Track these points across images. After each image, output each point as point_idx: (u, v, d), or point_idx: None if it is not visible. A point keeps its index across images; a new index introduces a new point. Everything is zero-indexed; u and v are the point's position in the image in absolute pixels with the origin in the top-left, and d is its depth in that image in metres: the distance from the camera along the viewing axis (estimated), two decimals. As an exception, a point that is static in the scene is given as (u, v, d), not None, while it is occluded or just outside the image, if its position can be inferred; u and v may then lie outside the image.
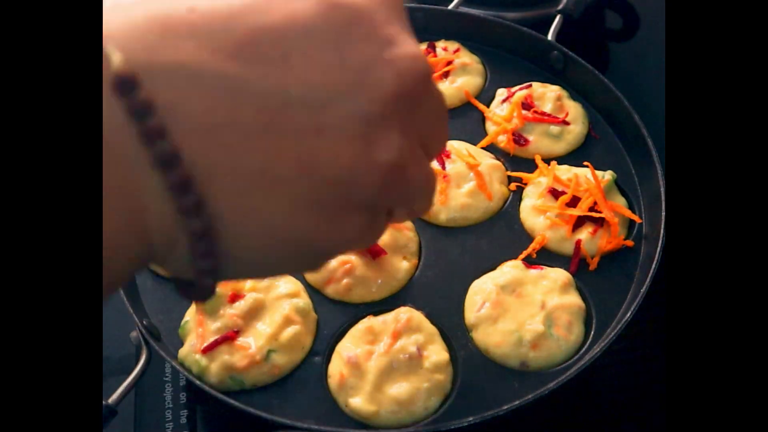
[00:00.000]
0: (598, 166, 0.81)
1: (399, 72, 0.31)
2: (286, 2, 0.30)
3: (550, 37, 0.94)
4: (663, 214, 0.75)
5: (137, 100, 0.26)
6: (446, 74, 0.94)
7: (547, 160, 0.84)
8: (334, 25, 0.30)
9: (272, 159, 0.29)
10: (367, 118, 0.30)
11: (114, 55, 0.26)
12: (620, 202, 0.81)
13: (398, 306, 0.74)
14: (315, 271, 0.38)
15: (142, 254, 0.29)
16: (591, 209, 0.78)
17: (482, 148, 0.87)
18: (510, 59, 0.97)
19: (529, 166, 0.85)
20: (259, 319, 0.72)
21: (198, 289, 0.32)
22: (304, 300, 0.74)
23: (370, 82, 0.30)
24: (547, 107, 0.89)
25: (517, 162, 0.86)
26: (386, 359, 0.69)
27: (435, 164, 0.84)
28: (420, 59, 0.32)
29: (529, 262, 0.77)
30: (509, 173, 0.85)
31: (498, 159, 0.86)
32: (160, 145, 0.26)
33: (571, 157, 0.86)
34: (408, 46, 0.32)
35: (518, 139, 0.87)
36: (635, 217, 0.79)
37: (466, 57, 0.96)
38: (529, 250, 0.78)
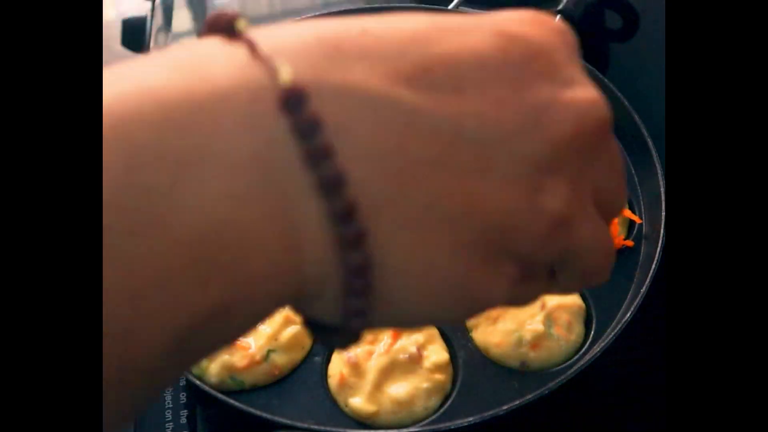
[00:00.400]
0: (598, 166, 0.81)
1: (578, 115, 0.28)
2: (461, 33, 0.28)
3: (550, 37, 0.94)
4: (663, 214, 0.75)
5: (304, 117, 0.24)
6: (446, 74, 0.93)
7: (547, 160, 0.84)
8: (512, 59, 0.28)
9: (439, 195, 0.27)
10: (538, 161, 0.28)
11: (283, 69, 0.25)
12: (620, 202, 0.81)
13: (398, 306, 0.74)
14: (458, 323, 0.35)
15: (290, 290, 0.27)
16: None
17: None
18: (510, 59, 0.97)
19: (529, 166, 0.84)
20: (259, 319, 0.72)
21: (344, 333, 0.29)
22: (304, 300, 0.74)
23: (545, 123, 0.28)
24: (547, 107, 0.89)
25: (517, 162, 0.86)
26: (386, 359, 0.69)
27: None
28: (602, 106, 0.30)
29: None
30: (509, 173, 0.84)
31: (498, 159, 0.86)
32: (325, 166, 0.25)
33: (571, 157, 0.86)
34: (589, 89, 0.30)
35: (518, 139, 0.86)
36: (635, 218, 0.79)
37: (466, 57, 0.95)
38: (529, 250, 0.77)
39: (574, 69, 0.30)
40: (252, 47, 0.25)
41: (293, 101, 0.24)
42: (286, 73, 0.25)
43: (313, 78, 0.25)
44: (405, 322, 0.31)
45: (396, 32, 0.27)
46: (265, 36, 0.26)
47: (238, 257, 0.25)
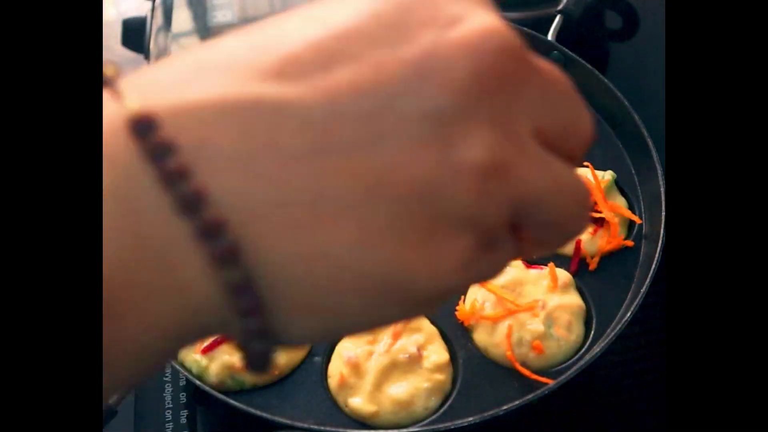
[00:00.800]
0: (598, 166, 0.81)
1: (472, 51, 0.25)
2: (330, 10, 0.26)
3: (550, 37, 0.94)
4: (663, 214, 0.75)
5: (153, 141, 0.23)
6: (446, 74, 0.94)
7: (547, 160, 0.84)
8: (386, 18, 0.26)
9: (326, 183, 0.24)
10: (439, 113, 0.25)
11: (128, 99, 0.24)
12: (620, 202, 0.81)
13: (398, 306, 0.74)
14: (414, 317, 0.31)
15: (182, 314, 0.25)
16: (591, 209, 0.78)
17: (482, 148, 0.87)
18: (510, 59, 0.97)
19: (529, 166, 0.85)
20: (259, 319, 0.72)
21: (251, 356, 0.27)
22: (304, 300, 0.74)
23: (435, 72, 0.25)
24: (547, 107, 0.89)
25: (517, 162, 0.86)
26: (386, 359, 0.69)
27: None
28: (498, 31, 0.26)
29: (529, 262, 0.77)
30: (509, 173, 0.84)
31: (498, 159, 0.86)
32: (180, 187, 0.23)
33: (571, 157, 0.86)
34: (480, 19, 0.26)
35: (518, 139, 0.87)
36: (635, 218, 0.79)
37: (466, 57, 0.96)
38: (529, 250, 0.78)
39: (461, 5, 0.27)
40: (111, 88, 0.25)
41: (141, 128, 0.24)
42: (131, 103, 0.24)
43: (167, 103, 0.24)
44: (335, 331, 0.28)
45: (260, 33, 0.26)
46: (137, 75, 0.26)
47: (118, 285, 0.24)
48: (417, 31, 0.26)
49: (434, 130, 0.25)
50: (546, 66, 0.28)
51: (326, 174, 0.24)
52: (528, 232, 0.29)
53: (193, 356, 0.70)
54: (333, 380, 0.70)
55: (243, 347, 0.27)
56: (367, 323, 0.28)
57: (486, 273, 0.29)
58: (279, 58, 0.25)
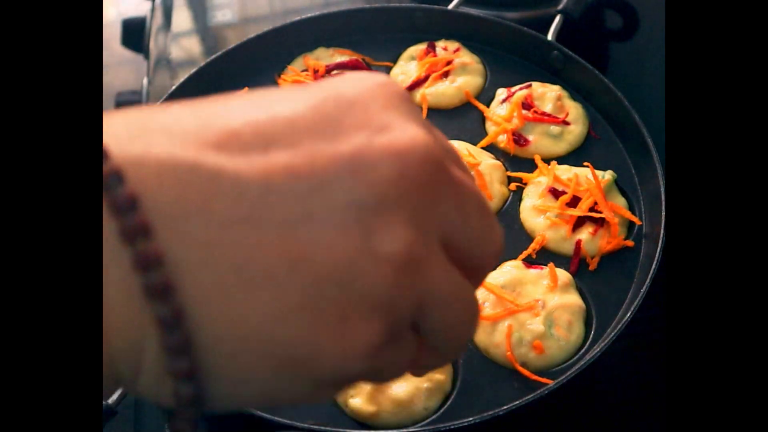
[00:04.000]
0: (598, 166, 0.81)
1: (397, 157, 0.28)
2: (273, 98, 0.29)
3: (550, 37, 0.94)
4: (663, 214, 0.75)
5: (118, 195, 0.25)
6: (446, 74, 0.94)
7: (547, 161, 0.84)
8: (324, 115, 0.29)
9: (253, 253, 0.26)
10: (363, 205, 0.27)
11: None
12: (620, 202, 0.81)
13: (398, 306, 0.74)
14: (322, 399, 0.35)
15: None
16: (591, 209, 0.78)
17: (482, 148, 0.87)
18: (510, 59, 0.97)
19: (529, 166, 0.85)
20: (259, 319, 0.72)
21: (177, 403, 0.28)
22: (304, 300, 0.74)
23: (363, 169, 0.28)
24: (547, 107, 0.89)
25: (517, 162, 0.86)
26: (386, 359, 0.69)
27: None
28: (423, 144, 0.29)
29: (529, 262, 0.77)
30: (509, 173, 0.84)
31: (498, 159, 0.86)
32: (127, 218, 0.25)
33: (571, 157, 0.86)
34: (406, 130, 0.29)
35: (518, 139, 0.87)
36: (635, 219, 0.79)
37: (466, 57, 0.96)
38: (529, 250, 0.78)
39: (393, 114, 0.30)
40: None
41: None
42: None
43: (117, 152, 0.25)
44: (251, 399, 0.30)
45: (207, 106, 0.29)
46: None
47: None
48: (351, 131, 0.29)
49: (357, 219, 0.27)
50: (464, 181, 0.31)
51: (254, 245, 0.26)
52: (424, 338, 0.32)
53: (193, 356, 0.70)
54: (333, 380, 0.70)
55: (173, 413, 0.29)
56: (277, 395, 0.29)
57: (389, 367, 0.31)
58: (220, 131, 0.27)
